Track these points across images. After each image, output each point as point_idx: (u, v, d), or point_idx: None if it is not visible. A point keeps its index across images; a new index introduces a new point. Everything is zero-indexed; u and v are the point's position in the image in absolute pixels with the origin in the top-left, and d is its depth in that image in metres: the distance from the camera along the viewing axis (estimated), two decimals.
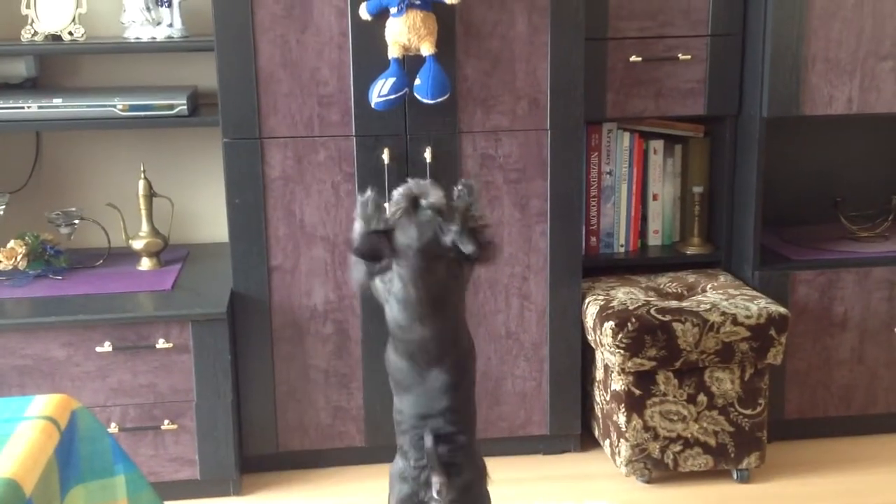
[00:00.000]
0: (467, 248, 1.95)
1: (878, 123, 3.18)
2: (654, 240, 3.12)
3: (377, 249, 1.99)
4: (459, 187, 2.07)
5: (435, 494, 2.06)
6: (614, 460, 2.77)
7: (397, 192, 2.03)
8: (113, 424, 2.61)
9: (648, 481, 2.75)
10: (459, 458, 2.08)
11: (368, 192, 2.08)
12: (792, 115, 2.77)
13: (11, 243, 2.80)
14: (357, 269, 2.11)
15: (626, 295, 2.76)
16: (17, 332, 2.54)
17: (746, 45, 2.84)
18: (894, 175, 3.24)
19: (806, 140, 3.19)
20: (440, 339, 2.05)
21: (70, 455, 1.75)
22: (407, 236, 1.97)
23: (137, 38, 2.82)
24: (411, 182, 2.05)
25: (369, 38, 2.56)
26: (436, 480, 2.06)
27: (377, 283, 2.09)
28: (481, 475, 2.18)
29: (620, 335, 2.59)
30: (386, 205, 2.05)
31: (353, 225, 2.11)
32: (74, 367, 2.57)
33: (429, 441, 2.05)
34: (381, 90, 2.49)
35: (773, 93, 2.75)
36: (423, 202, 1.99)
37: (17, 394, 2.54)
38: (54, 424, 1.72)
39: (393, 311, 2.05)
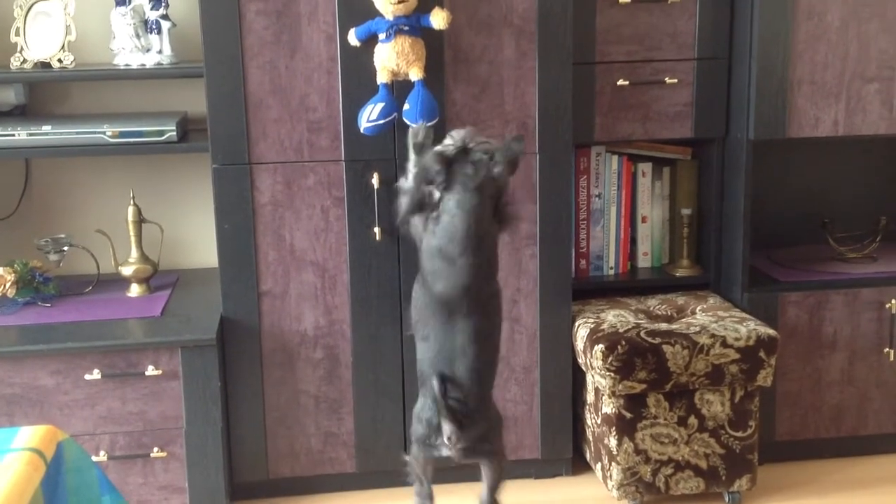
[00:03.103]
0: (516, 146, 2.19)
1: (865, 145, 3.19)
2: (643, 262, 3.13)
3: (438, 171, 2.13)
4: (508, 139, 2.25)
5: (445, 440, 2.13)
6: (606, 484, 2.76)
7: (450, 136, 2.22)
8: (102, 452, 2.59)
9: None
10: (473, 409, 2.14)
11: (420, 122, 2.27)
12: (778, 137, 2.79)
13: (0, 271, 2.79)
14: (405, 199, 2.23)
15: (616, 317, 2.77)
16: (6, 360, 2.52)
17: (733, 69, 2.87)
18: (882, 196, 3.26)
19: (793, 162, 3.21)
20: (477, 273, 2.16)
21: (56, 487, 1.74)
22: (464, 171, 2.14)
23: (127, 65, 2.83)
24: (462, 130, 2.23)
25: (358, 64, 2.57)
26: (446, 427, 2.12)
27: (416, 219, 2.22)
28: (495, 427, 2.24)
29: (611, 358, 2.59)
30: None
31: (408, 154, 2.26)
32: (63, 395, 2.56)
33: (436, 386, 2.11)
34: (370, 115, 2.50)
35: (760, 115, 2.76)
36: (473, 145, 2.17)
37: (5, 422, 2.53)
38: (40, 456, 1.71)
39: (434, 244, 2.16)
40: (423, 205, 2.20)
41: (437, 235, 2.16)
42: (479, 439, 2.17)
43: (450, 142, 2.22)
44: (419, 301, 2.24)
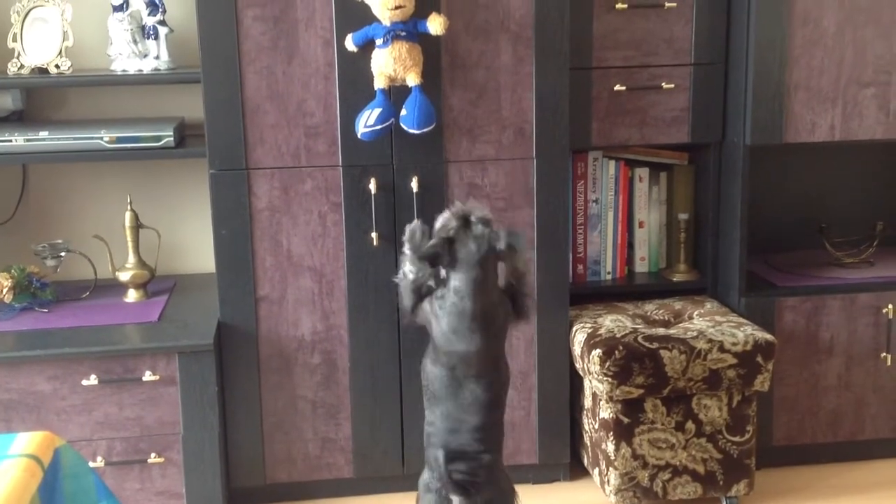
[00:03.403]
0: (520, 242, 2.16)
1: (862, 150, 3.20)
2: (640, 267, 3.13)
3: (439, 256, 2.14)
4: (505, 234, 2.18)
5: None
6: (604, 489, 2.76)
7: (446, 213, 2.21)
8: (99, 458, 2.59)
9: None
10: (481, 477, 2.14)
11: (415, 222, 2.27)
12: (775, 142, 2.80)
13: None
14: (406, 296, 2.25)
15: (613, 322, 2.77)
16: (3, 365, 2.52)
17: (729, 74, 2.87)
18: (878, 201, 3.27)
19: (790, 167, 3.22)
20: (486, 353, 2.18)
21: (54, 493, 1.74)
22: (466, 248, 2.13)
23: (124, 71, 2.83)
24: (458, 204, 2.22)
25: (355, 69, 2.57)
26: (455, 500, 2.13)
27: (425, 304, 2.23)
28: (505, 495, 2.24)
29: (608, 363, 2.59)
30: (436, 224, 2.23)
31: (404, 251, 2.27)
32: (60, 400, 2.56)
33: (440, 456, 2.12)
34: (367, 121, 2.50)
35: (756, 121, 2.77)
36: (473, 218, 2.16)
37: (2, 428, 2.53)
38: (37, 462, 1.71)
39: (442, 325, 2.17)
40: (424, 292, 2.22)
41: (442, 319, 2.18)
42: None
43: (448, 216, 2.20)
44: (430, 375, 2.23)
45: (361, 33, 2.51)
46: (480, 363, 2.18)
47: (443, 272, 2.19)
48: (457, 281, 2.15)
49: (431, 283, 2.21)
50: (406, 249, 2.25)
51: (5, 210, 3.04)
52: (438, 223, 2.22)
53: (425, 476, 2.26)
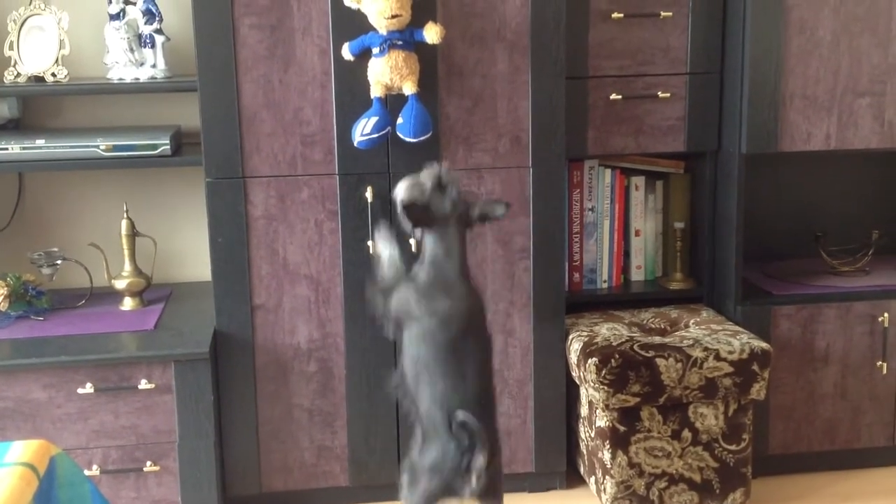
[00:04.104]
0: (498, 210, 2.33)
1: (857, 159, 3.21)
2: (636, 275, 3.13)
3: (421, 217, 2.26)
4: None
5: (474, 478, 2.14)
6: (600, 497, 2.76)
7: (421, 175, 2.32)
8: (95, 467, 2.58)
9: None
10: (493, 441, 2.19)
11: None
12: (770, 151, 2.80)
13: None
14: (376, 299, 2.39)
15: (609, 331, 2.77)
16: None
17: (725, 83, 2.88)
18: (874, 210, 3.27)
19: (786, 175, 3.22)
20: (473, 300, 2.31)
21: (49, 501, 1.73)
22: (443, 207, 2.28)
23: (121, 79, 2.83)
24: (431, 168, 2.33)
25: (352, 78, 2.57)
26: (480, 460, 2.13)
27: (392, 302, 2.33)
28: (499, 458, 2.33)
29: (604, 371, 2.59)
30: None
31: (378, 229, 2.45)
32: (56, 408, 2.55)
33: (469, 418, 2.14)
34: (363, 129, 2.51)
35: (752, 129, 2.78)
36: (447, 184, 2.30)
37: None
38: (33, 471, 1.70)
39: (428, 279, 2.28)
40: (388, 294, 2.35)
41: (427, 270, 2.28)
42: (497, 473, 2.23)
43: (424, 178, 2.32)
44: (419, 362, 2.26)
45: (358, 42, 2.52)
46: (472, 307, 2.29)
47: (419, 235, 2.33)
48: (435, 236, 2.27)
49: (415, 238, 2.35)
50: (381, 228, 2.43)
51: (1, 218, 3.04)
52: (405, 184, 2.32)
53: (432, 455, 2.20)
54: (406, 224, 2.28)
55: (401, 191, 2.33)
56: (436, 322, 2.24)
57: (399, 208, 2.29)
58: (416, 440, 2.29)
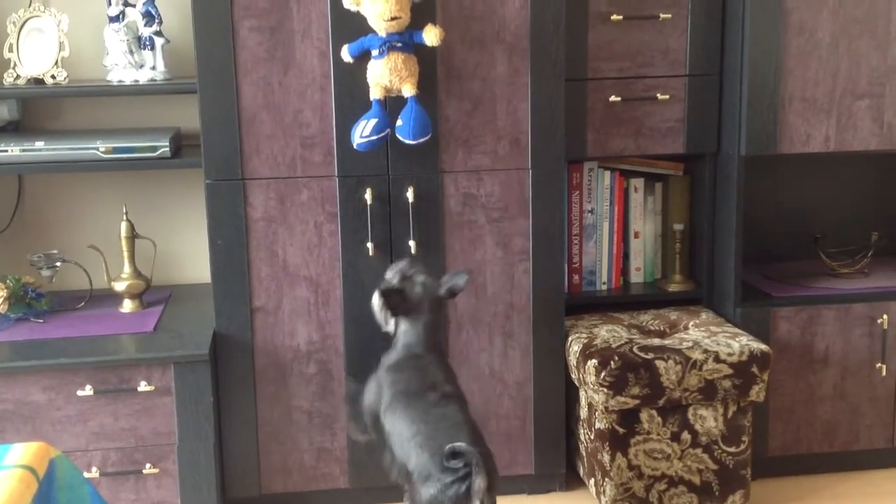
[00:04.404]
0: (460, 281, 2.48)
1: (856, 161, 3.21)
2: (636, 277, 3.13)
3: (398, 304, 2.43)
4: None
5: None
6: (599, 499, 2.76)
7: (386, 275, 2.52)
8: (94, 469, 2.58)
9: None
10: (489, 463, 2.19)
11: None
12: (769, 153, 2.80)
13: None
14: (379, 310, 2.50)
15: (609, 333, 2.77)
16: None
17: (724, 85, 2.88)
18: (873, 212, 3.27)
19: (785, 177, 3.23)
20: (447, 367, 2.46)
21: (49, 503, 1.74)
22: (416, 294, 2.44)
23: (120, 81, 2.83)
24: (399, 264, 2.52)
25: (351, 80, 2.58)
26: (480, 483, 2.12)
27: (364, 400, 2.49)
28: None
29: (604, 373, 2.59)
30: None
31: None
32: (55, 411, 2.55)
33: (460, 445, 2.14)
34: (363, 131, 2.51)
35: (751, 131, 2.78)
36: (412, 274, 2.47)
37: None
38: (32, 473, 1.70)
39: (393, 360, 2.45)
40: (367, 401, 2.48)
41: (399, 351, 2.45)
42: (494, 499, 2.22)
43: (389, 276, 2.50)
44: (404, 427, 2.31)
45: (357, 44, 2.52)
46: (446, 372, 2.42)
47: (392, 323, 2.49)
48: (411, 319, 2.44)
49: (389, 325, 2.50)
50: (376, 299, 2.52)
51: (1, 220, 3.04)
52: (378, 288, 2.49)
53: (429, 492, 2.17)
54: (383, 315, 2.46)
55: (376, 290, 2.48)
56: (402, 388, 2.37)
57: (376, 299, 2.46)
58: (411, 497, 2.28)
